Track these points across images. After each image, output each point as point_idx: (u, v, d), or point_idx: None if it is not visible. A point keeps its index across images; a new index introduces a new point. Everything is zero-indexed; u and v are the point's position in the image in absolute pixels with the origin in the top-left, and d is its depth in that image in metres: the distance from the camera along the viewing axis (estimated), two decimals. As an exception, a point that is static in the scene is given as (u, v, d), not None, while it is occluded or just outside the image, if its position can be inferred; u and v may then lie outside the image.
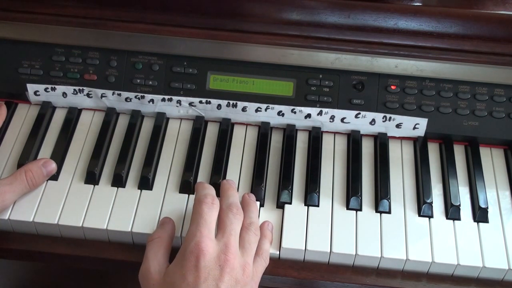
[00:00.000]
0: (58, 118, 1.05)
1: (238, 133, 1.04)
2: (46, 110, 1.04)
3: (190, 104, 1.03)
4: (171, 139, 1.03)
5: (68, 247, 0.93)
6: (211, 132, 1.04)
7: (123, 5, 1.02)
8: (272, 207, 0.95)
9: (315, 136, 1.02)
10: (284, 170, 0.98)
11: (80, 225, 0.92)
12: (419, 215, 0.95)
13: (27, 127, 1.03)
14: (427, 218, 0.95)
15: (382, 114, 1.01)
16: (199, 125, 1.03)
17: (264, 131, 1.03)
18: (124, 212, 0.93)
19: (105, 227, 0.92)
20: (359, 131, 1.03)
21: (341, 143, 1.03)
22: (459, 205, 0.95)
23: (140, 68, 1.04)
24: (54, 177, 0.97)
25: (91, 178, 0.96)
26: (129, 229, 0.92)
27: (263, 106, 1.02)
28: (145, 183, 0.96)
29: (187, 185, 0.96)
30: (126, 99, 1.03)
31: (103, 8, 1.02)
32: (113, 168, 0.98)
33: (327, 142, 1.03)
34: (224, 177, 0.98)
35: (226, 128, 1.03)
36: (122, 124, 1.05)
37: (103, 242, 0.94)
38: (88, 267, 0.96)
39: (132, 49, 1.04)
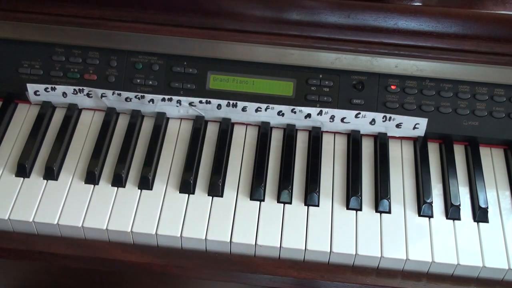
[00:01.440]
0: (58, 118, 1.05)
1: (238, 133, 1.04)
2: (46, 110, 1.04)
3: (190, 104, 1.03)
4: (171, 139, 1.03)
5: (68, 247, 0.93)
6: (211, 132, 1.04)
7: (123, 5, 1.02)
8: (272, 207, 0.95)
9: (315, 136, 1.02)
10: (284, 170, 0.98)
11: (80, 225, 0.92)
12: (419, 215, 0.95)
13: (27, 127, 1.03)
14: (427, 218, 0.95)
15: (382, 114, 1.01)
16: (199, 125, 1.03)
17: (264, 131, 1.03)
18: (124, 212, 0.93)
19: (105, 227, 0.92)
20: (359, 131, 1.03)
21: (341, 143, 1.03)
22: (459, 205, 0.95)
23: (140, 68, 1.04)
24: (54, 177, 0.97)
25: (91, 178, 0.96)
26: (129, 229, 0.92)
27: (263, 106, 1.02)
28: (145, 183, 0.96)
29: (187, 185, 0.96)
30: (126, 99, 1.03)
31: (103, 8, 1.02)
32: (113, 168, 0.98)
33: (327, 142, 1.03)
34: (224, 177, 0.98)
35: (226, 128, 1.03)
36: (122, 124, 1.05)
37: (103, 242, 0.94)
38: (88, 267, 0.96)
39: (132, 49, 1.04)
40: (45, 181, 0.96)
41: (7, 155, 1.00)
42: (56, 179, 0.97)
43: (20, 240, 0.94)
